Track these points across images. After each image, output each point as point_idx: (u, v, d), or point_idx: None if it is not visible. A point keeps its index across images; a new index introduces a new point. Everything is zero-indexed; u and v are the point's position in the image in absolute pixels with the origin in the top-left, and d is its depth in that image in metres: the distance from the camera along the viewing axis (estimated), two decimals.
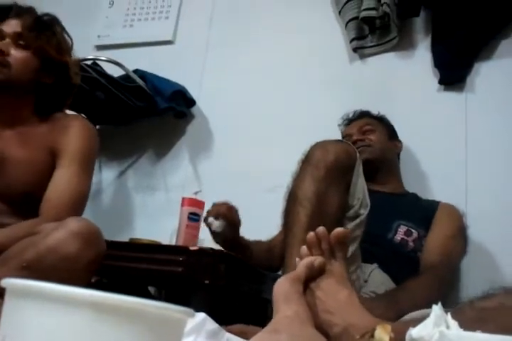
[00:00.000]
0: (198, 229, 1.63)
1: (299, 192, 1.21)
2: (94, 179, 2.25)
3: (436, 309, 0.61)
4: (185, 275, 1.37)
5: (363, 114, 1.87)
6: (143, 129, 2.35)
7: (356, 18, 2.04)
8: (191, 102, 2.26)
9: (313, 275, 0.92)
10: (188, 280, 1.38)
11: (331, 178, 1.21)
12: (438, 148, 1.90)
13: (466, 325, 0.58)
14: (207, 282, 1.34)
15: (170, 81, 2.22)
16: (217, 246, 1.54)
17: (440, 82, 1.95)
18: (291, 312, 0.81)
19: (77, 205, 1.39)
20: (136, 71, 2.17)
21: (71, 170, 1.40)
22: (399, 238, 1.56)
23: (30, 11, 1.46)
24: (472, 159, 1.83)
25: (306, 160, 1.25)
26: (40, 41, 1.42)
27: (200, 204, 1.67)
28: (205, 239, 1.67)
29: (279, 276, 1.05)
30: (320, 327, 0.84)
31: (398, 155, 1.85)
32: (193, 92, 2.25)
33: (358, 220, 1.27)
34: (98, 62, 2.12)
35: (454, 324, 0.60)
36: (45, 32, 1.44)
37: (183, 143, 2.29)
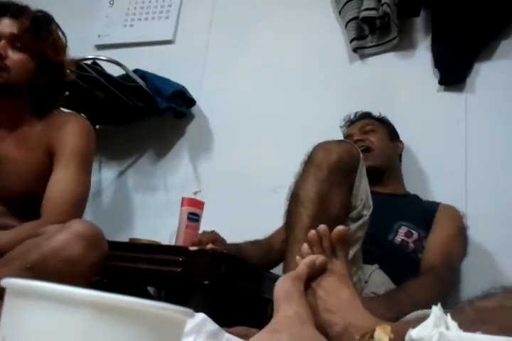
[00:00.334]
0: (197, 229, 1.63)
1: (302, 192, 1.20)
2: (94, 179, 2.26)
3: (436, 310, 0.61)
4: (184, 276, 1.37)
5: (364, 115, 1.87)
6: (143, 129, 2.35)
7: (356, 18, 2.04)
8: (191, 102, 2.26)
9: (314, 274, 0.92)
10: (188, 281, 1.38)
11: (334, 179, 1.20)
12: (438, 149, 1.90)
13: (466, 325, 0.58)
14: (206, 282, 1.34)
15: (170, 81, 2.21)
16: None
17: (440, 83, 1.95)
18: (291, 311, 0.81)
19: (78, 205, 1.39)
20: (136, 71, 2.17)
21: (70, 170, 1.40)
22: (399, 239, 1.56)
23: (26, 11, 1.43)
24: (472, 159, 1.82)
25: (309, 161, 1.25)
26: (38, 43, 1.41)
27: (199, 204, 1.67)
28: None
29: (279, 277, 1.05)
30: (320, 326, 0.84)
31: (400, 155, 1.85)
32: (193, 92, 2.25)
33: (360, 221, 1.26)
34: (98, 61, 2.12)
35: (453, 325, 0.59)
36: (42, 33, 1.43)
37: (183, 143, 2.29)
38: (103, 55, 2.13)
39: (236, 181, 2.08)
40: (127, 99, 2.13)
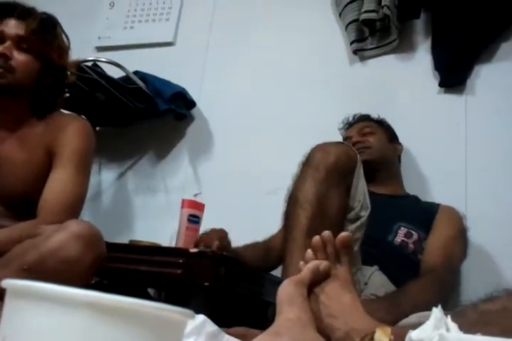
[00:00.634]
0: (197, 231, 1.63)
1: (300, 194, 1.21)
2: (94, 180, 2.26)
3: (436, 312, 0.61)
4: (184, 278, 1.37)
5: (363, 118, 1.87)
6: (143, 131, 2.35)
7: (356, 20, 2.04)
8: (191, 104, 2.26)
9: (317, 279, 0.92)
10: (188, 283, 1.38)
11: (332, 180, 1.21)
12: (438, 151, 1.90)
13: (469, 327, 0.58)
14: (206, 284, 1.34)
15: (170, 83, 2.22)
16: None
17: (440, 85, 1.95)
18: (293, 315, 0.81)
19: (74, 206, 1.39)
20: (136, 72, 2.17)
21: (68, 171, 1.40)
22: (399, 240, 1.56)
23: (33, 12, 1.43)
24: (472, 161, 1.82)
25: (307, 163, 1.25)
26: (43, 45, 1.41)
27: (200, 206, 1.67)
28: None
29: (279, 279, 1.05)
30: (323, 331, 0.84)
31: (399, 157, 1.85)
32: (193, 94, 2.25)
33: (358, 222, 1.26)
34: (98, 63, 2.12)
35: (453, 326, 0.59)
36: (48, 35, 1.43)
37: (183, 145, 2.29)
38: (103, 56, 2.13)
39: (236, 182, 2.08)
40: (127, 101, 2.13)
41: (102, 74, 2.10)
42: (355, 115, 1.89)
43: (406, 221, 1.59)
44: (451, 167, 1.85)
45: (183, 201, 1.67)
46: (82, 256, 1.12)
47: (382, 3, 1.94)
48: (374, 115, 1.88)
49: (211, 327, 0.89)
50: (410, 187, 1.80)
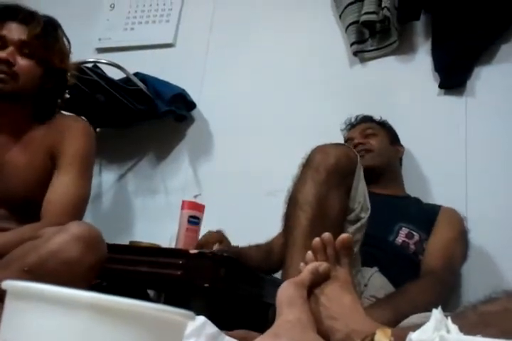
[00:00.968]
0: (198, 232, 1.63)
1: (300, 195, 1.20)
2: (94, 182, 2.25)
3: (437, 313, 0.61)
4: (184, 279, 1.37)
5: (365, 119, 1.87)
6: (143, 132, 2.35)
7: (356, 22, 2.04)
8: (191, 105, 2.26)
9: (317, 281, 0.92)
10: (188, 284, 1.38)
11: (332, 182, 1.21)
12: (438, 152, 1.90)
13: (469, 329, 0.58)
14: (206, 285, 1.34)
15: (170, 84, 2.22)
16: None
17: (440, 86, 1.95)
18: (293, 316, 0.81)
19: (77, 209, 1.39)
20: (136, 74, 2.17)
21: (71, 174, 1.40)
22: (400, 240, 1.56)
23: (36, 17, 1.42)
24: (472, 163, 1.83)
25: (307, 164, 1.25)
26: (46, 50, 1.40)
27: (200, 207, 1.67)
28: None
29: (280, 280, 1.05)
30: (323, 333, 0.84)
31: (400, 159, 1.85)
32: (194, 95, 2.25)
33: (358, 224, 1.26)
34: (99, 64, 2.12)
35: (454, 328, 0.59)
36: (50, 39, 1.42)
37: (183, 146, 2.29)
38: (104, 58, 2.13)
39: (236, 184, 2.08)
40: (128, 103, 2.13)
41: (102, 76, 2.10)
42: (357, 116, 1.89)
43: (407, 221, 1.59)
44: (452, 168, 1.85)
45: (183, 202, 1.67)
46: (82, 257, 1.12)
47: (383, 5, 1.94)
48: (375, 116, 1.88)
49: (211, 328, 0.89)
50: (411, 189, 1.80)
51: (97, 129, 2.33)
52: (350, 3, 2.07)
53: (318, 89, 2.15)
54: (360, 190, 1.28)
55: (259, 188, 2.03)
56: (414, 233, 1.57)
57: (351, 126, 1.89)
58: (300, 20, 2.27)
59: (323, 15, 2.24)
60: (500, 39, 1.90)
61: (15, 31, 1.38)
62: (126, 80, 2.13)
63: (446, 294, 1.47)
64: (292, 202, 1.22)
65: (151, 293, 1.83)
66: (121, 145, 2.37)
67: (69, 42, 1.50)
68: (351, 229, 1.25)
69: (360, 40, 2.08)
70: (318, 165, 1.22)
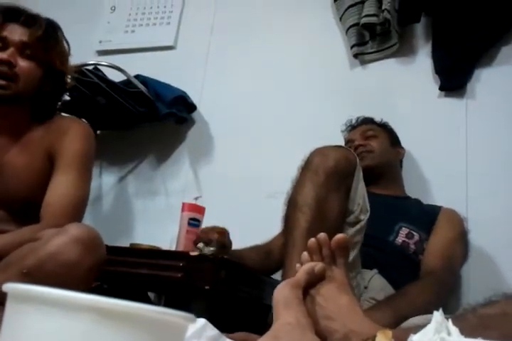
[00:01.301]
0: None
1: (299, 197, 1.21)
2: (95, 184, 2.26)
3: (437, 315, 0.61)
4: (185, 281, 1.37)
5: (366, 120, 1.87)
6: (144, 134, 2.35)
7: (357, 24, 2.04)
8: (192, 108, 2.26)
9: (313, 281, 0.92)
10: (188, 286, 1.38)
11: (331, 184, 1.21)
12: (438, 154, 1.90)
13: (469, 331, 0.58)
14: (207, 288, 1.34)
15: (171, 86, 2.22)
16: None
17: (441, 88, 1.96)
18: (291, 318, 0.81)
19: (77, 210, 1.39)
20: (137, 76, 2.17)
21: (70, 175, 1.40)
22: (400, 240, 1.56)
23: (38, 19, 1.42)
24: (473, 164, 1.83)
25: (306, 166, 1.25)
26: (47, 52, 1.41)
27: (200, 209, 1.67)
28: None
29: (279, 282, 1.05)
30: (320, 333, 0.83)
31: (401, 161, 1.85)
32: (194, 98, 2.25)
33: (358, 226, 1.26)
34: (99, 67, 2.12)
35: (455, 330, 0.59)
36: (51, 42, 1.43)
37: (183, 149, 2.29)
38: (104, 60, 2.13)
39: (236, 186, 2.08)
40: (128, 105, 2.13)
41: (103, 78, 2.10)
42: (358, 118, 1.89)
43: (407, 221, 1.59)
44: (452, 170, 1.85)
45: (184, 204, 1.67)
46: (81, 259, 1.11)
47: (383, 7, 1.94)
48: (376, 118, 1.88)
49: (212, 331, 0.89)
50: (411, 190, 1.80)
51: (98, 132, 2.33)
52: (351, 6, 2.07)
53: (318, 91, 2.15)
54: (360, 192, 1.29)
55: (259, 190, 2.03)
56: (415, 233, 1.57)
57: (352, 127, 1.89)
58: (300, 22, 2.27)
59: (323, 18, 2.24)
60: (500, 41, 1.90)
61: (16, 33, 1.38)
62: (127, 82, 2.13)
63: (446, 294, 1.47)
64: (292, 204, 1.22)
65: (151, 295, 1.83)
66: (121, 148, 2.37)
67: (68, 45, 1.51)
68: (351, 231, 1.25)
69: (360, 43, 2.08)
70: (318, 167, 1.22)
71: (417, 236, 1.56)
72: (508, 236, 1.67)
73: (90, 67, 2.09)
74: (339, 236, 0.95)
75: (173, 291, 1.67)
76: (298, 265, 0.96)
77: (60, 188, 1.38)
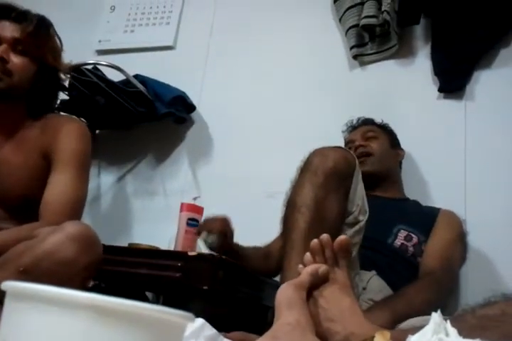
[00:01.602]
0: (195, 235, 1.63)
1: (298, 198, 1.20)
2: (93, 184, 2.26)
3: (436, 316, 0.61)
4: (183, 281, 1.37)
5: (367, 121, 1.87)
6: (143, 134, 2.35)
7: (356, 25, 2.05)
8: (191, 108, 2.26)
9: (316, 283, 0.92)
10: (186, 286, 1.38)
11: (330, 185, 1.21)
12: (437, 156, 1.90)
13: (467, 332, 0.58)
14: (205, 288, 1.34)
15: (170, 86, 2.22)
16: None
17: (440, 90, 1.96)
18: (292, 319, 0.81)
19: (76, 208, 1.38)
20: (136, 76, 2.17)
21: (67, 173, 1.40)
22: (399, 243, 1.56)
23: (29, 15, 1.42)
24: (471, 166, 1.83)
25: (305, 167, 1.25)
26: (39, 48, 1.41)
27: (199, 209, 1.67)
28: None
29: (278, 283, 1.05)
30: (322, 335, 0.83)
31: (400, 163, 1.85)
32: (193, 98, 2.25)
33: (357, 227, 1.26)
34: (99, 66, 2.12)
35: (453, 331, 0.60)
36: (43, 37, 1.43)
37: (182, 149, 2.29)
38: (104, 60, 2.13)
39: (235, 186, 2.08)
40: (127, 105, 2.13)
41: (102, 78, 2.10)
42: (359, 118, 1.89)
43: (406, 224, 1.59)
44: (451, 171, 1.85)
45: (182, 204, 1.67)
46: (77, 257, 1.11)
47: (383, 9, 1.94)
48: (376, 119, 1.88)
49: (210, 330, 0.89)
50: (410, 192, 1.80)
51: (97, 131, 2.33)
52: (350, 7, 2.07)
53: (317, 92, 2.15)
54: (359, 193, 1.29)
55: (258, 190, 2.03)
56: (413, 235, 1.57)
57: (352, 128, 1.89)
58: (300, 23, 2.27)
59: (323, 19, 2.25)
60: (499, 43, 1.91)
61: (8, 29, 1.39)
62: (126, 82, 2.13)
63: (443, 295, 1.47)
64: (290, 205, 1.22)
65: (149, 295, 1.83)
66: (120, 148, 2.37)
67: (61, 42, 1.51)
68: (350, 231, 1.25)
69: (359, 44, 2.08)
70: (317, 168, 1.22)
71: (415, 239, 1.56)
72: (506, 238, 1.68)
73: (89, 67, 2.09)
74: (341, 237, 0.95)
75: (171, 291, 1.67)
76: (300, 266, 0.96)
77: (58, 186, 1.38)
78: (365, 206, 1.30)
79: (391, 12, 1.94)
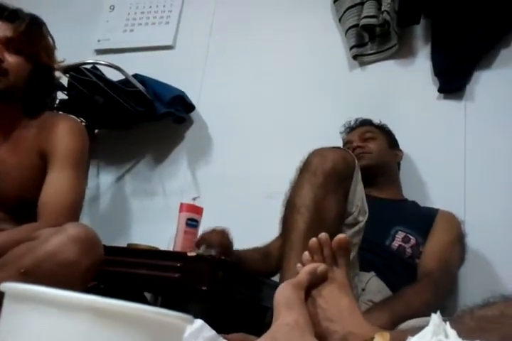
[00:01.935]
0: (196, 234, 1.63)
1: (297, 199, 1.20)
2: (92, 184, 2.26)
3: (435, 318, 0.61)
4: (182, 282, 1.37)
5: (365, 122, 1.87)
6: (142, 134, 2.35)
7: (356, 25, 2.04)
8: (191, 107, 2.26)
9: (315, 282, 0.92)
10: (186, 287, 1.38)
11: (329, 185, 1.20)
12: (437, 156, 1.90)
13: (466, 334, 0.58)
14: (204, 288, 1.33)
15: (169, 86, 2.22)
16: None
17: (440, 90, 1.96)
18: (290, 319, 0.81)
19: (74, 207, 1.38)
20: (135, 76, 2.17)
21: (64, 172, 1.39)
22: (396, 244, 1.55)
23: (21, 14, 1.42)
24: (471, 167, 1.83)
25: (304, 168, 1.25)
26: (32, 46, 1.41)
27: (198, 210, 1.66)
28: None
29: (277, 284, 1.05)
30: (320, 335, 0.83)
31: (398, 164, 1.85)
32: (193, 97, 2.25)
33: (356, 227, 1.26)
34: (98, 66, 2.12)
35: (452, 333, 0.59)
36: (37, 36, 1.43)
37: (181, 149, 2.29)
38: (103, 59, 2.13)
39: (235, 186, 2.07)
40: (126, 104, 2.13)
41: (101, 77, 2.10)
42: (357, 119, 1.89)
43: (404, 225, 1.59)
44: (450, 172, 1.85)
45: (182, 205, 1.67)
46: (79, 259, 1.11)
47: (382, 9, 1.94)
48: (374, 120, 1.88)
49: (209, 332, 0.89)
50: (409, 193, 1.80)
51: (96, 131, 2.33)
52: (350, 7, 2.07)
53: (317, 92, 2.15)
54: (358, 194, 1.28)
55: (258, 191, 2.03)
56: (411, 237, 1.57)
57: (350, 129, 1.89)
58: (300, 23, 2.27)
59: (322, 19, 2.24)
60: (499, 44, 1.91)
61: (1, 29, 1.38)
62: (125, 82, 2.13)
63: (442, 296, 1.47)
64: (290, 206, 1.22)
65: (147, 295, 1.82)
66: (119, 147, 2.37)
67: (53, 40, 1.51)
68: (349, 232, 1.25)
69: (359, 44, 2.08)
70: (316, 168, 1.22)
71: (413, 240, 1.56)
72: (506, 239, 1.68)
73: (89, 66, 2.08)
74: (340, 236, 0.95)
75: (170, 292, 1.66)
76: (299, 265, 0.96)
77: (55, 186, 1.37)
78: (365, 207, 1.30)
79: (391, 12, 1.94)
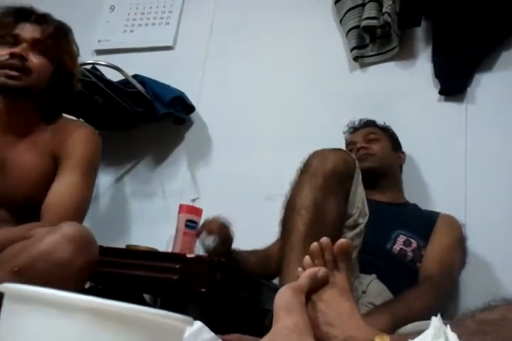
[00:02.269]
0: (195, 236, 1.62)
1: (297, 200, 1.20)
2: None
3: (436, 321, 0.61)
4: (181, 283, 1.36)
5: (369, 123, 1.87)
6: (141, 135, 2.34)
7: (357, 27, 2.04)
8: (190, 108, 2.26)
9: (315, 287, 0.91)
10: (184, 288, 1.38)
11: (329, 187, 1.20)
12: (438, 159, 1.90)
13: (467, 337, 0.58)
14: (203, 290, 1.33)
15: (169, 87, 2.21)
16: None
17: (440, 93, 1.95)
18: (290, 322, 0.80)
19: (78, 211, 1.38)
20: (135, 76, 2.17)
21: (73, 177, 1.40)
22: (398, 248, 1.55)
23: (49, 18, 1.46)
24: (472, 169, 1.82)
25: (305, 169, 1.24)
26: (58, 49, 1.44)
27: (197, 211, 1.66)
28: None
29: (277, 286, 1.05)
30: (320, 339, 0.83)
31: (401, 166, 1.84)
32: (193, 98, 2.25)
33: (357, 229, 1.26)
34: (97, 66, 2.12)
35: (453, 336, 0.59)
36: (63, 40, 1.46)
37: (181, 150, 2.29)
38: (103, 60, 2.13)
39: (234, 188, 2.07)
40: (126, 105, 2.12)
41: (101, 78, 2.10)
42: (361, 120, 1.88)
43: (405, 229, 1.59)
44: (451, 175, 1.85)
45: (181, 206, 1.66)
46: (73, 258, 1.10)
47: (383, 10, 1.94)
48: (378, 121, 1.87)
49: (208, 334, 0.89)
50: (411, 195, 1.80)
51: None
52: (351, 8, 2.07)
53: (317, 94, 2.15)
54: (359, 196, 1.28)
55: (257, 192, 2.03)
56: (412, 240, 1.56)
57: (354, 129, 1.88)
58: (301, 24, 2.27)
59: (323, 20, 2.24)
60: (500, 46, 1.91)
61: (28, 30, 1.41)
62: (125, 82, 2.12)
63: (443, 299, 1.46)
64: (290, 207, 1.21)
65: (146, 297, 1.82)
66: (119, 148, 2.37)
67: (78, 49, 1.53)
68: (349, 234, 1.25)
69: (360, 45, 2.08)
70: (316, 170, 1.21)
71: (414, 244, 1.56)
72: (506, 242, 1.67)
73: (88, 67, 2.08)
74: (342, 241, 0.95)
75: (169, 293, 1.66)
76: (300, 269, 0.96)
77: (62, 189, 1.38)
78: (365, 209, 1.29)
79: (392, 14, 1.94)
